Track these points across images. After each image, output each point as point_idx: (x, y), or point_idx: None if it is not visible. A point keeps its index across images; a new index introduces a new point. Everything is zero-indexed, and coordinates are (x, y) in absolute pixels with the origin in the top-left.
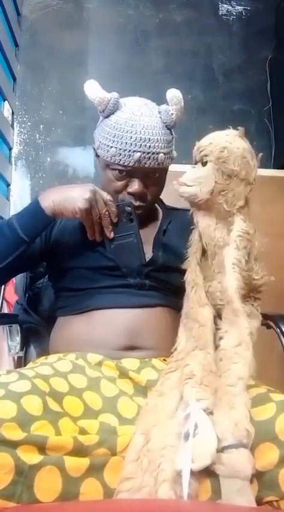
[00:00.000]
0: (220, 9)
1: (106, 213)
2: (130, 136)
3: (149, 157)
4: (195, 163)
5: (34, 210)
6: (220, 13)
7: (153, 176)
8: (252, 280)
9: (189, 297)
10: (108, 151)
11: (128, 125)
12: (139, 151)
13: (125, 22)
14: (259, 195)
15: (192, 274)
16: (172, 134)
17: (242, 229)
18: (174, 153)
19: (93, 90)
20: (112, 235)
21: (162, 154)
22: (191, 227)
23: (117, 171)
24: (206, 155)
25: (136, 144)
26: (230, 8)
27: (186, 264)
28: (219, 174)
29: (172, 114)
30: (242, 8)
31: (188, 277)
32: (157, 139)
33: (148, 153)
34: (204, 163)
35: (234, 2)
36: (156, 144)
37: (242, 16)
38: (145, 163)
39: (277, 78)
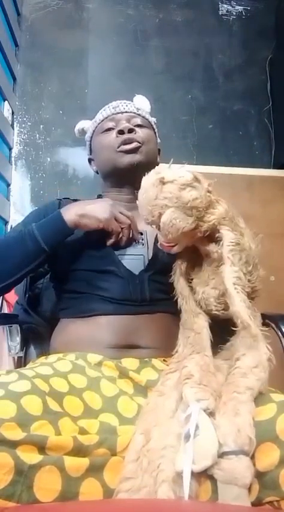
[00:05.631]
0: (220, 9)
1: (128, 220)
2: (110, 103)
3: (125, 104)
4: (154, 225)
5: (56, 222)
6: (220, 13)
7: (136, 122)
8: (253, 286)
9: (183, 308)
10: (96, 121)
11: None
12: (115, 101)
13: (125, 22)
14: (259, 195)
15: (178, 287)
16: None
17: (231, 242)
18: (154, 119)
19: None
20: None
21: (135, 104)
22: None
23: (107, 131)
24: (153, 217)
25: (113, 102)
26: (230, 8)
27: (172, 277)
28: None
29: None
30: (242, 8)
31: (177, 290)
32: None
33: (124, 102)
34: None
35: (234, 2)
36: (128, 101)
37: (242, 16)
38: (124, 108)
39: (277, 78)
